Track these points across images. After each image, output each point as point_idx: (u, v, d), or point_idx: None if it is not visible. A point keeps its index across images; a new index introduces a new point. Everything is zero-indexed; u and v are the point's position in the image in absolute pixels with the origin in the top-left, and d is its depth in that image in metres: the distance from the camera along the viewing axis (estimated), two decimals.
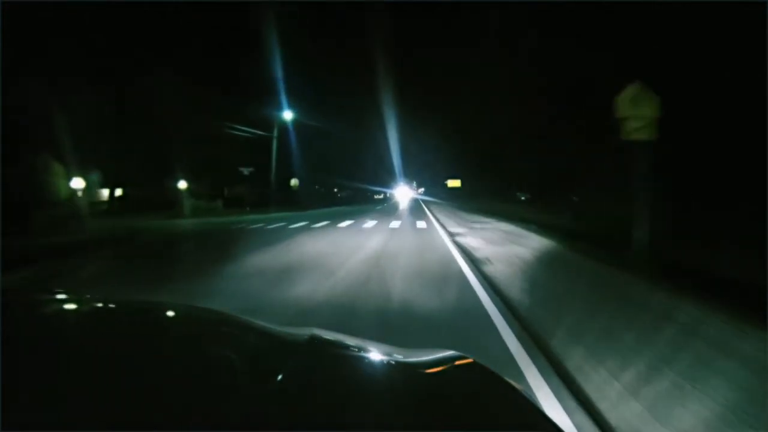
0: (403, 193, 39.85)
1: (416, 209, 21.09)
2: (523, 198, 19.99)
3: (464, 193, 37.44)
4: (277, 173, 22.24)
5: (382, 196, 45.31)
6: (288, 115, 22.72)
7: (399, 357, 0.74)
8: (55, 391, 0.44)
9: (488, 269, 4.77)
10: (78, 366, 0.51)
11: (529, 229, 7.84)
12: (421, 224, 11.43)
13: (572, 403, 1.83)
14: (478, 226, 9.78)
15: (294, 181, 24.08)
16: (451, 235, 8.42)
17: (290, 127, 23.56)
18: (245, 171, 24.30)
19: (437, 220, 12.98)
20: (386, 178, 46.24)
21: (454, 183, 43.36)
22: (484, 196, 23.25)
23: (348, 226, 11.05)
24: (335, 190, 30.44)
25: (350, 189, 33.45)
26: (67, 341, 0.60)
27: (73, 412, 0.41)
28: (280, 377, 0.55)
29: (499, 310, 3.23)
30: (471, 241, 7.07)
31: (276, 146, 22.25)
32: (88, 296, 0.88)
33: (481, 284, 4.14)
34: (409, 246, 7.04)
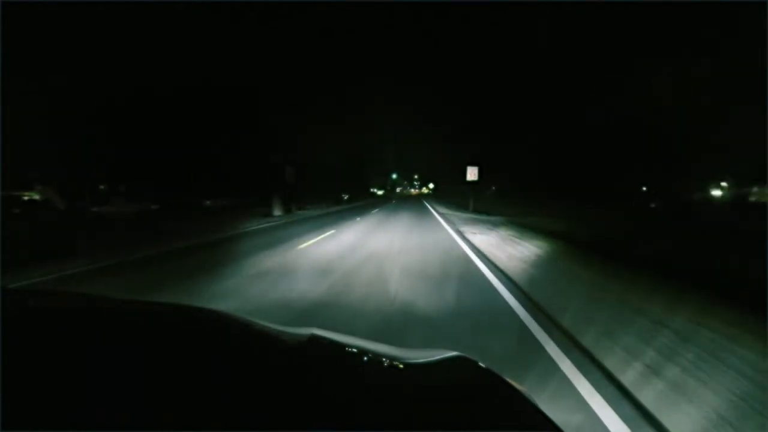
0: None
1: None
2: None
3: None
4: None
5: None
6: None
7: (400, 357, 0.73)
8: (54, 392, 0.44)
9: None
10: (76, 366, 0.51)
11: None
12: None
13: None
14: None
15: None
16: None
17: None
18: None
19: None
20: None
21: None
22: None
23: None
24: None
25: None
26: (66, 342, 0.59)
27: (72, 412, 0.41)
28: (280, 377, 0.55)
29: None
30: None
31: None
32: (88, 296, 0.86)
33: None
34: None
